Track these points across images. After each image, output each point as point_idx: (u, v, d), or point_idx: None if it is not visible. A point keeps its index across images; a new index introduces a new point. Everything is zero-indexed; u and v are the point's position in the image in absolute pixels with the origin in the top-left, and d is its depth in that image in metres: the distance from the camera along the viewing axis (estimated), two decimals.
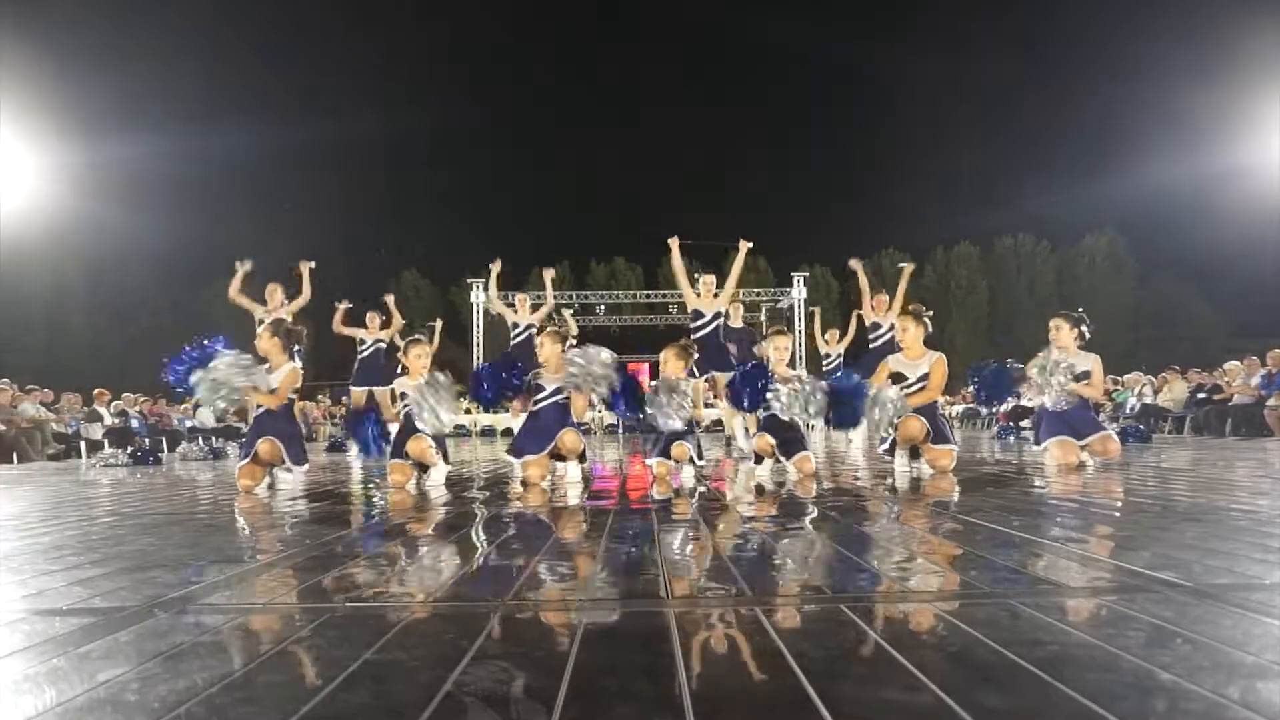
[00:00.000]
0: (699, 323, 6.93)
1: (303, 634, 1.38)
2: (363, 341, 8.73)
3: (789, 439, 4.66)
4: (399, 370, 5.36)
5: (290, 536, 2.68)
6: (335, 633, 1.39)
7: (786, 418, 4.60)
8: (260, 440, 4.47)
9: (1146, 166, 33.10)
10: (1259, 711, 0.93)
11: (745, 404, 4.72)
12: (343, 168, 43.94)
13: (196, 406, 13.44)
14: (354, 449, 8.66)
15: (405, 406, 4.59)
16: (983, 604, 1.48)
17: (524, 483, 4.38)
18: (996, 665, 1.13)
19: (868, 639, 1.27)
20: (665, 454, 4.60)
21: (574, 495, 3.77)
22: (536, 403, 4.62)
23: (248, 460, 4.49)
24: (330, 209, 40.06)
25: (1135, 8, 41.55)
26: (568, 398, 4.59)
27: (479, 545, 2.41)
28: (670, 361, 4.78)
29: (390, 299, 9.04)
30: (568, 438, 4.52)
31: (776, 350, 4.92)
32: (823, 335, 9.92)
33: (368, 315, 8.86)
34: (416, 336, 4.90)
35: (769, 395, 4.57)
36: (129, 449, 8.38)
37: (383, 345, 8.67)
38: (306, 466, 4.77)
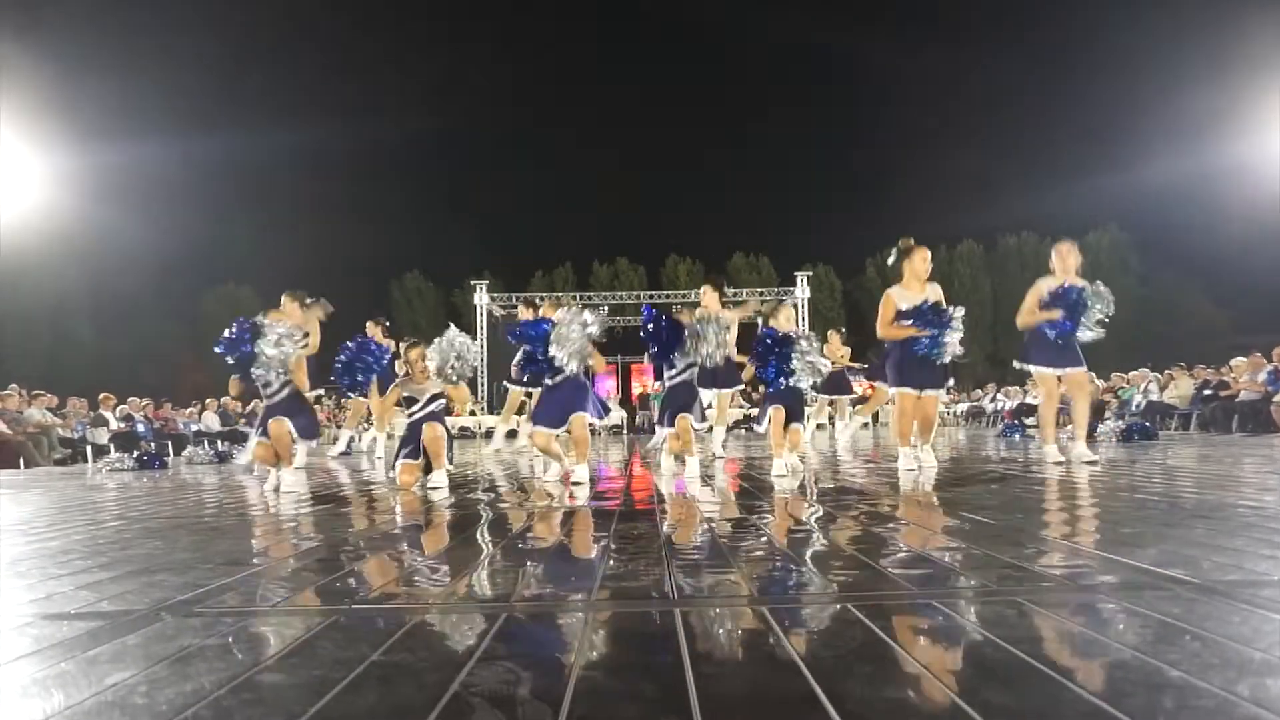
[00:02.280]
0: None
1: (309, 636, 1.38)
2: None
3: (796, 409, 4.81)
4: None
5: (296, 539, 2.68)
6: (342, 634, 1.39)
7: (804, 383, 4.74)
8: (271, 420, 4.66)
9: (1149, 163, 32.97)
10: (1268, 708, 0.93)
11: (772, 373, 4.75)
12: (345, 170, 44.10)
13: (202, 412, 13.49)
14: (366, 450, 8.69)
15: (412, 413, 4.62)
16: (990, 601, 1.48)
17: (541, 449, 4.62)
18: (1004, 663, 1.12)
19: (874, 637, 1.27)
20: (673, 424, 4.84)
21: (579, 496, 3.78)
22: (554, 380, 4.62)
23: (259, 440, 4.73)
24: (333, 211, 40.14)
25: (1138, 4, 41.45)
26: (587, 379, 4.63)
27: (485, 547, 2.41)
28: (708, 294, 5.38)
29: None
30: (576, 424, 4.56)
31: (789, 320, 4.97)
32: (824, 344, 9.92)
33: (367, 325, 8.73)
34: (414, 340, 4.90)
35: (793, 360, 4.66)
36: (135, 453, 8.39)
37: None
38: (315, 443, 4.87)
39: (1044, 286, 4.99)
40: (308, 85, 51.88)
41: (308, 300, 6.79)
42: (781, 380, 4.70)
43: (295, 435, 4.76)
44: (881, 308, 4.83)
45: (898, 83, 52.67)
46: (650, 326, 4.75)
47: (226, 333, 4.63)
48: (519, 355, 7.32)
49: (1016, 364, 5.18)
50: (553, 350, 4.38)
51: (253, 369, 4.59)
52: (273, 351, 4.55)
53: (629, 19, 62.34)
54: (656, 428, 4.92)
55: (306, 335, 4.87)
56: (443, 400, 4.68)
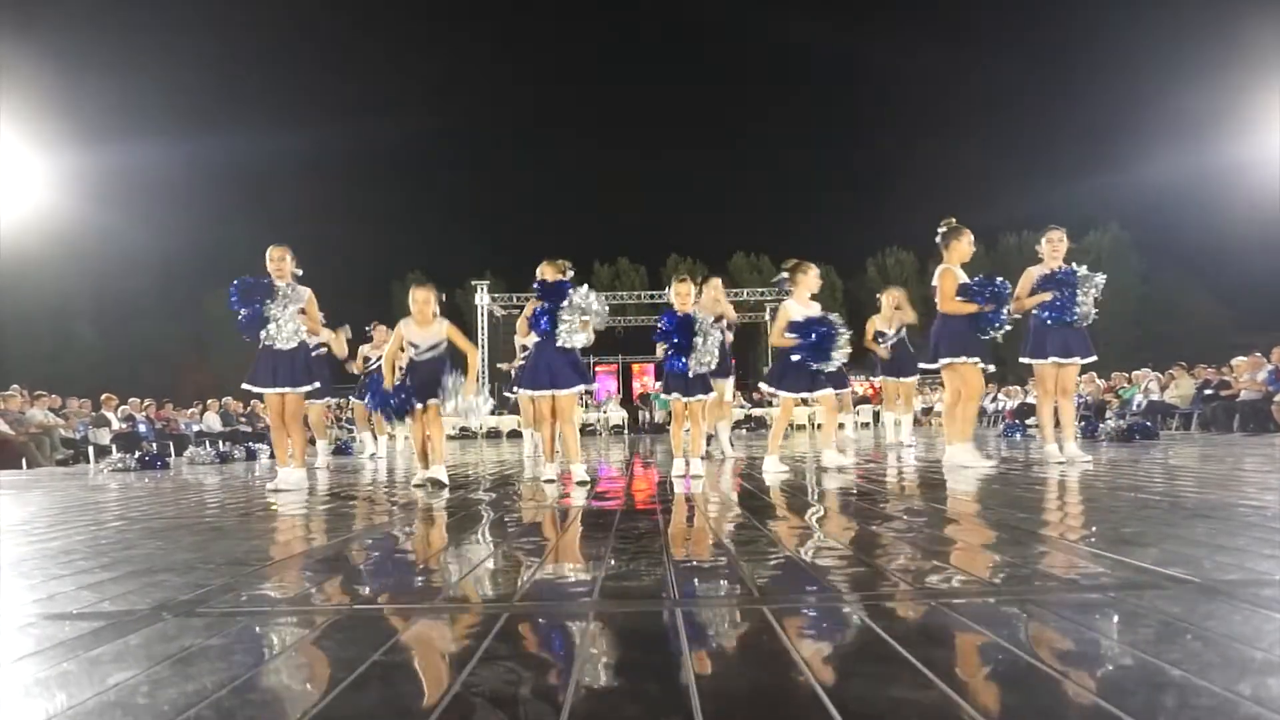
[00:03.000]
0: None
1: (311, 636, 1.39)
2: (367, 359, 8.61)
3: (827, 377, 4.86)
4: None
5: (297, 539, 2.69)
6: (344, 634, 1.39)
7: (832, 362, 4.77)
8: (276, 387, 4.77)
9: (1150, 162, 32.91)
10: (1270, 707, 0.93)
11: (821, 355, 4.76)
12: (346, 171, 44.13)
13: (204, 412, 13.49)
14: (366, 450, 8.71)
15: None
16: (991, 601, 1.48)
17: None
18: (1006, 662, 1.13)
19: (876, 637, 1.27)
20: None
21: (578, 496, 3.78)
22: (540, 344, 4.60)
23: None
24: (334, 212, 40.17)
25: (1138, 3, 41.39)
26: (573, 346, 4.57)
27: (486, 546, 2.41)
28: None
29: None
30: (563, 401, 4.55)
31: (817, 279, 4.99)
32: None
33: (374, 326, 8.66)
34: (421, 279, 4.81)
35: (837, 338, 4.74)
36: (136, 454, 8.41)
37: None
38: (307, 388, 4.87)
39: (1035, 272, 5.03)
40: (308, 86, 51.96)
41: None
42: (816, 363, 4.73)
43: (295, 389, 4.77)
44: (943, 282, 4.82)
45: (898, 83, 52.67)
46: (664, 327, 4.73)
47: (240, 287, 4.68)
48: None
49: (1022, 359, 5.17)
50: (563, 317, 4.38)
51: (262, 331, 4.62)
52: (282, 314, 4.59)
53: (629, 19, 62.38)
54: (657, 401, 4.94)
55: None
56: (445, 343, 4.58)
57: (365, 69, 55.11)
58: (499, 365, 8.08)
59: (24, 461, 9.29)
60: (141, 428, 11.58)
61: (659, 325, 4.79)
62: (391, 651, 1.27)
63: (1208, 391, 10.71)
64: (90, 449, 10.65)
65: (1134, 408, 11.38)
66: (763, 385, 5.11)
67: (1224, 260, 31.81)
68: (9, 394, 10.27)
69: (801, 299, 4.86)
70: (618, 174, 52.81)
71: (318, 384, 5.08)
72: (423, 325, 4.54)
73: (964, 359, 4.76)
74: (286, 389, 4.74)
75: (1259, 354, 10.19)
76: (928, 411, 18.18)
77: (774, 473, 4.64)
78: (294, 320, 4.66)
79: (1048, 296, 4.87)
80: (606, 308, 4.54)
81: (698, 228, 48.90)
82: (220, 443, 11.17)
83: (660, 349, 4.81)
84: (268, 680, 1.16)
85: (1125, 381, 12.88)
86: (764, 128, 57.66)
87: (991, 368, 4.91)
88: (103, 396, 11.98)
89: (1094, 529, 2.33)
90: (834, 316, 4.83)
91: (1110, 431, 7.89)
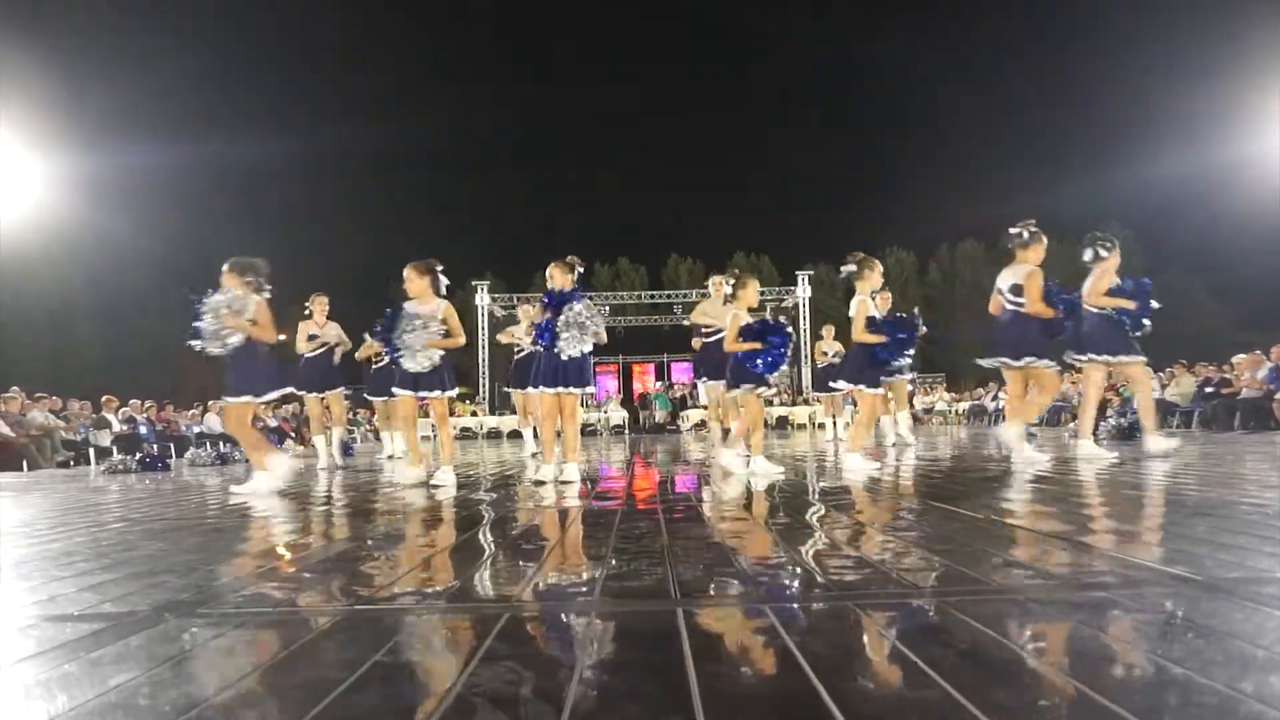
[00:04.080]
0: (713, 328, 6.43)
1: (312, 636, 1.39)
2: (379, 355, 8.55)
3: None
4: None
5: (298, 539, 2.69)
6: (345, 635, 1.39)
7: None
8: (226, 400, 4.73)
9: (1152, 160, 32.97)
10: (1271, 705, 0.93)
11: (902, 352, 4.85)
12: (347, 172, 44.17)
13: (204, 414, 13.50)
14: (385, 451, 8.63)
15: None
16: (992, 600, 1.48)
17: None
18: (1007, 661, 1.12)
19: (877, 636, 1.27)
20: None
21: (569, 495, 3.77)
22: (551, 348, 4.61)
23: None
24: (334, 212, 40.21)
25: (1143, 3, 41.39)
26: (584, 354, 4.60)
27: (486, 546, 2.41)
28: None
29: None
30: (569, 400, 4.61)
31: (881, 276, 5.02)
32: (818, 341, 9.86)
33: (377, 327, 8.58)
34: (417, 259, 4.77)
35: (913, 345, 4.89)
36: (137, 455, 8.40)
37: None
38: (246, 398, 4.72)
39: (1109, 273, 5.02)
40: (308, 88, 52.07)
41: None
42: (894, 360, 4.81)
43: (255, 397, 4.69)
44: (1032, 283, 4.75)
45: (899, 83, 52.74)
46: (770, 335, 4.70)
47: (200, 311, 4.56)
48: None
49: (1085, 358, 5.06)
50: (560, 332, 4.43)
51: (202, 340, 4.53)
52: (210, 324, 4.48)
53: (630, 19, 62.42)
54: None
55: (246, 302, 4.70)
56: (444, 327, 4.60)
57: (365, 70, 55.23)
58: (509, 373, 7.94)
59: (24, 463, 9.29)
60: (142, 429, 11.58)
61: (773, 326, 4.70)
62: (392, 652, 1.27)
63: (1208, 389, 10.70)
64: (91, 451, 10.65)
65: (1134, 406, 11.35)
66: (841, 384, 5.04)
67: (1225, 259, 31.85)
68: (9, 396, 10.27)
69: (865, 294, 4.87)
70: (618, 174, 52.89)
71: (274, 392, 4.91)
72: (421, 301, 4.67)
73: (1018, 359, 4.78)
74: (230, 398, 4.65)
75: (1259, 352, 10.18)
76: (929, 411, 18.20)
77: (861, 470, 4.59)
78: (217, 323, 4.54)
79: (1131, 305, 4.89)
80: (601, 324, 4.56)
81: (698, 228, 49.02)
82: (221, 444, 11.17)
83: (748, 345, 4.70)
84: (269, 681, 1.15)
85: (1125, 380, 12.85)
86: (765, 128, 57.75)
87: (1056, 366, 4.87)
88: (103, 398, 11.97)
89: (1095, 527, 2.33)
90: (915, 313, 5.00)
91: (1111, 429, 7.89)
